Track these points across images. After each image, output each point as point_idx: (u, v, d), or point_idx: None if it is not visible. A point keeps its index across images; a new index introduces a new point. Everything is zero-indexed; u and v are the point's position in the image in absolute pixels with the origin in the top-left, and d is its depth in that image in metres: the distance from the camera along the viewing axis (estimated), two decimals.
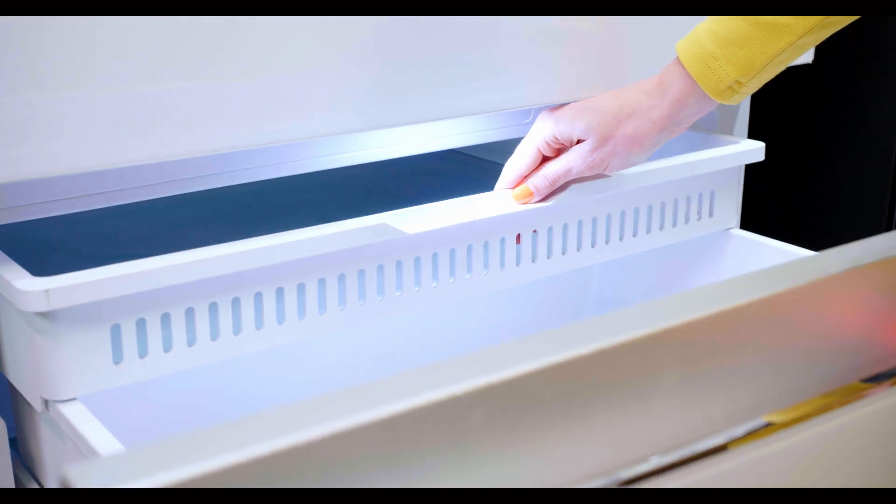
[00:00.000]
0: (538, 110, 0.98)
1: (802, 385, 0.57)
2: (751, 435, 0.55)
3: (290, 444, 0.41)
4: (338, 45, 0.75)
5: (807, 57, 1.03)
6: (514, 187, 0.85)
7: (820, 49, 1.06)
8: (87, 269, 0.67)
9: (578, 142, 0.82)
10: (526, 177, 0.85)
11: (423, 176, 1.17)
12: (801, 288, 0.56)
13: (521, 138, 0.86)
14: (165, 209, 1.02)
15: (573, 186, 0.86)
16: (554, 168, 0.83)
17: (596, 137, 0.81)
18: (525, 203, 0.84)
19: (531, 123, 0.99)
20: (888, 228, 1.19)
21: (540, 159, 0.85)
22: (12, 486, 0.74)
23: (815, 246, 0.92)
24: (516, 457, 0.47)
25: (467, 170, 1.19)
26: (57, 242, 0.95)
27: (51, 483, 0.74)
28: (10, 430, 0.75)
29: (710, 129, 1.09)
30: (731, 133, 1.10)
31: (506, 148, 1.18)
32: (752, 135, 1.11)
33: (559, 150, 0.84)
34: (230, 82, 0.71)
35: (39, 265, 0.70)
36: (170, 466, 0.39)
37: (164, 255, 0.70)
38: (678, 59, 0.80)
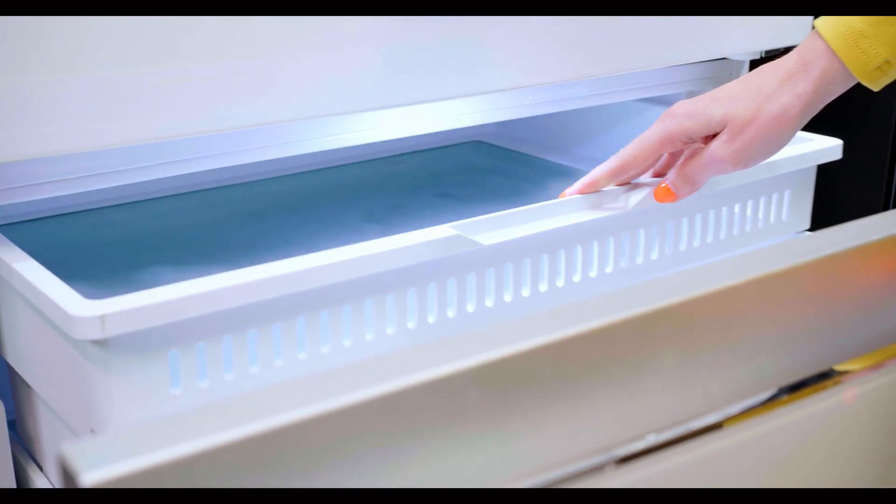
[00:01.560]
0: (535, 91, 0.98)
1: (801, 363, 0.57)
2: (749, 412, 0.55)
3: (288, 422, 0.41)
4: (342, 25, 0.75)
5: (803, 37, 1.02)
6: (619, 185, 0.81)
7: None
8: (145, 291, 0.61)
9: (713, 137, 0.77)
10: (622, 182, 0.81)
11: (461, 170, 1.13)
12: (799, 266, 0.56)
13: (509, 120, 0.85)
14: (179, 203, 1.01)
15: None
16: (694, 166, 0.77)
17: (736, 124, 0.75)
18: (663, 201, 0.79)
19: (528, 105, 0.99)
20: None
21: (657, 161, 0.81)
22: (10, 466, 0.74)
23: None
24: (513, 435, 0.48)
25: (498, 161, 1.16)
26: (66, 240, 0.92)
27: (49, 464, 0.74)
28: (8, 412, 0.75)
29: None
30: None
31: (528, 136, 1.19)
32: None
33: (678, 154, 0.80)
34: (235, 62, 0.71)
35: (60, 266, 0.68)
36: (166, 444, 0.39)
37: (229, 274, 0.63)
38: (819, 36, 0.75)
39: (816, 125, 1.25)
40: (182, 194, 1.03)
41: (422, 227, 0.71)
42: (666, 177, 0.80)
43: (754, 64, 1.11)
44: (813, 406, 0.57)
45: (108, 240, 0.93)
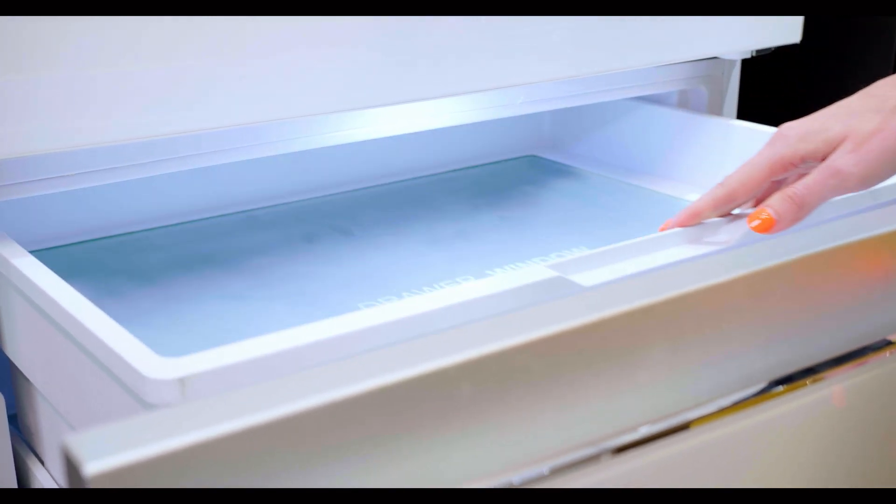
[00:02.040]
0: (527, 89, 0.99)
1: (790, 358, 0.58)
2: (738, 405, 0.56)
3: (284, 414, 0.42)
4: (343, 23, 0.76)
5: (794, 36, 1.04)
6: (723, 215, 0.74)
7: (807, 29, 1.07)
8: (229, 347, 0.53)
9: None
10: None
11: (517, 187, 1.08)
12: (785, 264, 0.57)
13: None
14: (225, 225, 0.96)
15: None
16: (807, 184, 0.69)
17: (859, 134, 0.69)
18: (764, 232, 0.69)
19: (523, 104, 1.00)
20: None
21: (766, 186, 0.73)
22: (10, 459, 0.75)
23: None
24: (505, 427, 0.48)
25: (553, 177, 1.11)
26: (108, 266, 0.86)
27: (50, 458, 0.75)
28: (9, 406, 0.76)
29: (699, 110, 1.10)
30: (720, 114, 1.11)
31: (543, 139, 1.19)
32: (741, 116, 1.12)
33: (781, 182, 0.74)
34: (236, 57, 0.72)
35: (104, 298, 0.66)
36: (170, 434, 0.40)
37: (322, 325, 0.56)
38: None
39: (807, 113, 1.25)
40: (227, 215, 0.98)
41: (489, 252, 0.64)
42: (766, 203, 0.70)
43: (745, 63, 1.12)
44: (800, 399, 0.58)
45: (153, 265, 0.86)
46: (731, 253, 0.57)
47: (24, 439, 0.79)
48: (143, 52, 0.69)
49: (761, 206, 0.70)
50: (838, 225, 0.61)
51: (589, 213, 0.99)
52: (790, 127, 0.73)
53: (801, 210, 0.69)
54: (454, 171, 1.13)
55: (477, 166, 1.15)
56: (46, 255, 0.86)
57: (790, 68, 1.31)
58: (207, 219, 0.97)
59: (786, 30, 1.03)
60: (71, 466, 0.40)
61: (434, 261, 0.86)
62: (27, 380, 0.73)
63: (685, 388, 0.54)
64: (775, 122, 1.23)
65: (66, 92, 0.67)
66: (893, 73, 1.17)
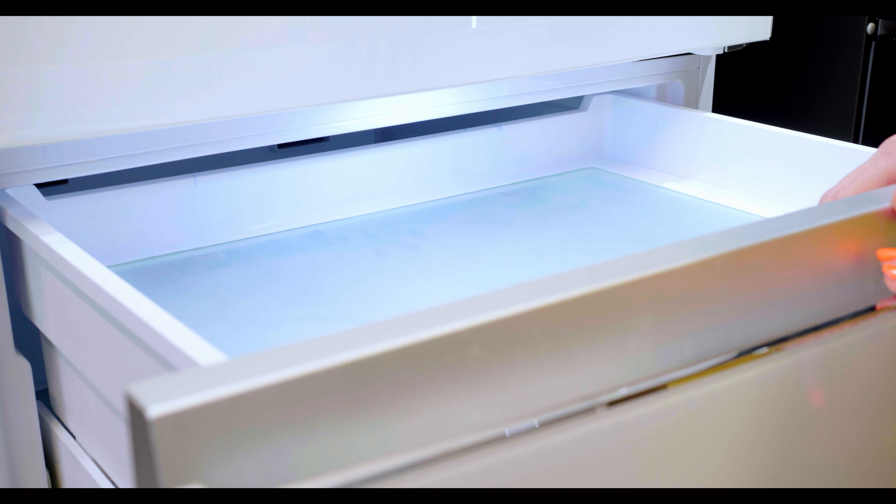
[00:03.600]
0: (510, 83, 1.04)
1: (764, 330, 0.64)
2: (715, 368, 0.61)
3: (316, 369, 0.47)
4: (341, 19, 0.81)
5: (764, 34, 1.09)
6: None
7: (777, 26, 1.13)
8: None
9: None
10: None
11: (582, 202, 1.06)
12: (761, 245, 0.62)
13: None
14: (293, 240, 0.95)
15: None
16: None
17: None
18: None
19: (504, 97, 1.05)
20: None
21: None
22: (37, 430, 0.80)
23: None
24: (508, 385, 0.53)
25: (613, 190, 1.09)
26: (180, 283, 0.85)
27: (77, 428, 0.80)
28: (40, 382, 0.81)
29: (676, 103, 1.15)
30: (696, 107, 1.16)
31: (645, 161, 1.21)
32: (716, 109, 1.18)
33: None
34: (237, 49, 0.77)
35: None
36: (229, 381, 0.44)
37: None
38: None
39: (779, 108, 1.31)
40: (293, 230, 0.98)
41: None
42: None
43: (719, 59, 1.18)
44: (770, 364, 0.63)
45: (227, 286, 0.85)
46: (711, 235, 0.62)
47: (54, 413, 0.84)
48: (164, 44, 0.73)
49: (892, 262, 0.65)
50: (807, 212, 0.66)
51: (650, 226, 0.99)
52: (892, 141, 0.69)
53: None
54: (515, 183, 1.12)
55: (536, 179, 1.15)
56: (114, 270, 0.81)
57: (762, 64, 1.37)
58: (273, 234, 0.96)
59: (756, 27, 1.08)
60: (135, 412, 0.44)
61: (505, 279, 0.85)
62: (57, 353, 0.78)
63: (667, 355, 0.59)
64: (748, 114, 1.29)
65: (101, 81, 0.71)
66: (862, 69, 1.23)
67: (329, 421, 0.47)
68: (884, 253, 0.65)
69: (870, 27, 1.24)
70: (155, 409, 0.43)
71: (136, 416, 0.44)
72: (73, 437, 0.81)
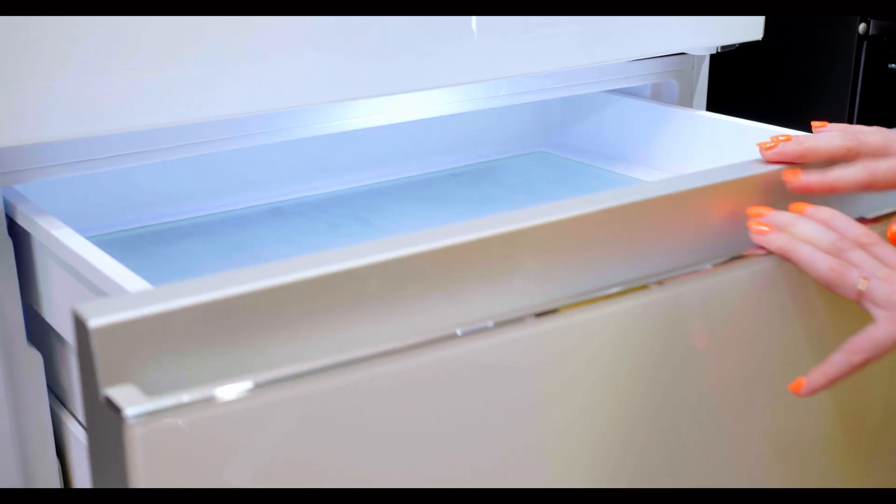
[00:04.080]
0: (508, 83, 1.07)
1: (636, 273, 0.70)
2: (597, 298, 0.66)
3: (231, 294, 0.54)
4: (335, 21, 0.84)
5: (756, 34, 1.12)
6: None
7: (769, 26, 1.15)
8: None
9: None
10: None
11: (528, 182, 1.14)
12: (637, 202, 0.69)
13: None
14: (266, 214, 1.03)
15: None
16: None
17: None
18: None
19: (503, 96, 1.07)
20: None
21: None
22: (49, 421, 0.83)
23: None
24: (404, 313, 0.60)
25: (562, 173, 1.17)
26: (159, 255, 0.93)
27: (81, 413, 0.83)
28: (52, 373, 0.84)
29: (671, 102, 1.18)
30: (690, 105, 1.19)
31: (592, 147, 1.25)
32: (710, 108, 1.20)
33: None
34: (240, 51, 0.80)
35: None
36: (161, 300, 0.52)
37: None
38: None
39: (772, 107, 1.33)
40: (255, 206, 1.05)
41: None
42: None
43: (713, 59, 1.20)
44: (649, 296, 0.68)
45: (191, 254, 0.93)
46: (595, 195, 0.68)
47: (58, 398, 0.87)
48: (161, 50, 0.76)
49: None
50: (685, 177, 0.73)
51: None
52: None
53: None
54: (465, 167, 1.19)
55: (486, 162, 1.21)
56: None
57: (755, 63, 1.39)
58: (236, 209, 1.04)
59: (748, 28, 1.11)
60: (79, 324, 0.50)
61: None
62: (60, 338, 0.81)
63: (550, 291, 0.66)
64: (741, 112, 1.32)
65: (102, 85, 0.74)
66: (854, 68, 1.24)
67: (244, 338, 0.54)
68: (752, 210, 0.74)
69: (861, 27, 1.26)
70: (94, 322, 0.50)
71: (80, 329, 0.51)
72: (84, 428, 0.83)
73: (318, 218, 1.01)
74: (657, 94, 1.19)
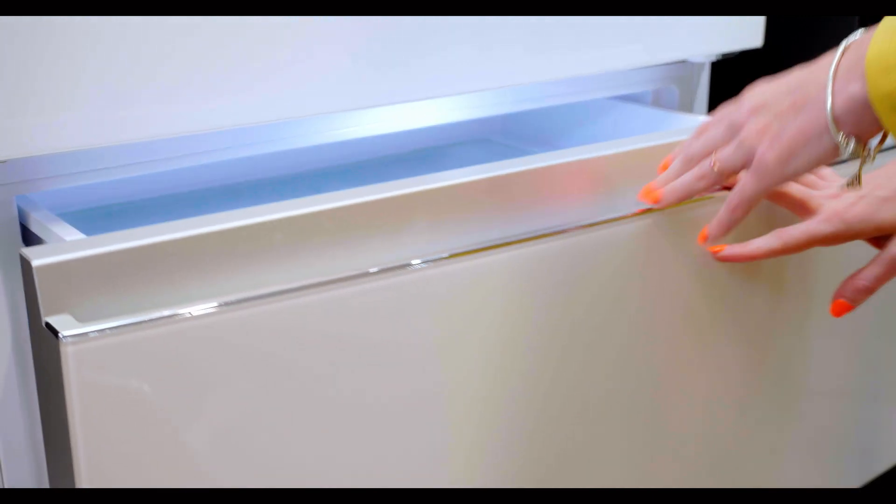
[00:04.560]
0: (514, 90, 1.08)
1: (513, 228, 0.81)
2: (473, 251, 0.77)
3: (152, 241, 0.65)
4: (331, 25, 0.85)
5: (756, 41, 1.13)
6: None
7: (770, 32, 1.16)
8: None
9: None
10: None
11: None
12: (517, 172, 0.80)
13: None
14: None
15: None
16: (875, 274, 0.81)
17: None
18: (839, 315, 0.82)
19: (509, 103, 1.09)
20: None
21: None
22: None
23: None
24: (307, 261, 0.71)
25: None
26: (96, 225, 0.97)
27: None
28: None
29: (671, 107, 1.19)
30: (691, 112, 1.20)
31: (534, 134, 1.28)
32: (711, 114, 1.21)
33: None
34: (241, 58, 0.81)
35: None
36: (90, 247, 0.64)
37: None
38: None
39: None
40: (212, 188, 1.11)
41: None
42: (839, 292, 0.82)
43: (714, 66, 1.22)
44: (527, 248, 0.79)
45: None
46: (480, 166, 0.80)
47: None
48: (147, 54, 0.78)
49: (835, 297, 0.82)
50: (557, 153, 0.85)
51: None
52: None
53: (871, 293, 0.81)
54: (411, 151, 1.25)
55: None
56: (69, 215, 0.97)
57: (755, 70, 1.40)
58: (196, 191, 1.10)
59: (748, 35, 1.12)
60: (24, 263, 0.62)
61: None
62: None
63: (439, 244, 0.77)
64: None
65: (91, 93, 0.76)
66: None
67: (166, 280, 0.66)
68: (641, 195, 0.84)
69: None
70: (36, 261, 0.62)
71: (25, 267, 0.62)
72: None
73: (270, 199, 1.05)
74: (658, 101, 1.20)
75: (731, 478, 1.00)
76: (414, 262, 0.73)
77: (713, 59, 1.16)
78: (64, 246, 0.63)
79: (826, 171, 0.87)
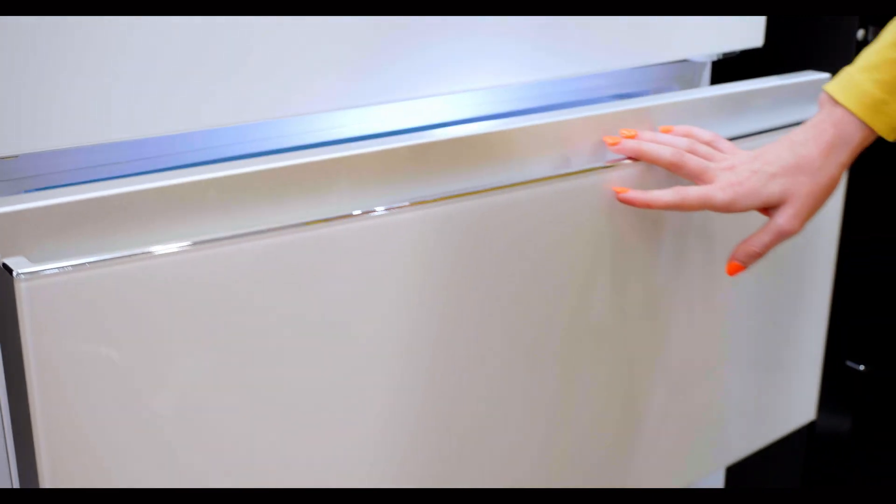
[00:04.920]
0: (516, 89, 1.09)
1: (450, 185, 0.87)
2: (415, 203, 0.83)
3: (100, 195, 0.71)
4: (325, 25, 0.85)
5: (756, 40, 1.14)
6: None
7: (771, 32, 1.17)
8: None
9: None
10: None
11: None
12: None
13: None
14: None
15: None
16: (763, 241, 0.90)
17: (797, 198, 0.89)
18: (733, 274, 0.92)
19: (513, 101, 1.09)
20: (843, 216, 1.30)
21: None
22: None
23: None
24: (238, 213, 0.76)
25: None
26: None
27: None
28: None
29: None
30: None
31: None
32: None
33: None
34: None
35: None
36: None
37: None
38: (848, 111, 0.88)
39: None
40: None
41: None
42: (733, 254, 0.91)
43: (715, 65, 1.22)
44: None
45: None
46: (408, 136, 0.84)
47: None
48: (140, 53, 0.77)
49: (730, 259, 0.92)
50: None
51: None
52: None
53: (760, 257, 0.91)
54: None
55: None
56: None
57: (756, 70, 1.41)
58: None
59: (749, 35, 1.13)
60: None
61: None
62: None
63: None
64: None
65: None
66: None
67: (110, 230, 0.72)
68: (606, 137, 0.93)
69: (860, 33, 1.27)
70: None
71: None
72: None
73: None
74: None
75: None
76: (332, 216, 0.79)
77: (714, 58, 1.16)
78: (18, 197, 0.69)
79: (724, 144, 0.94)
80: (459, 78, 0.94)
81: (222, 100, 0.81)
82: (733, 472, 1.43)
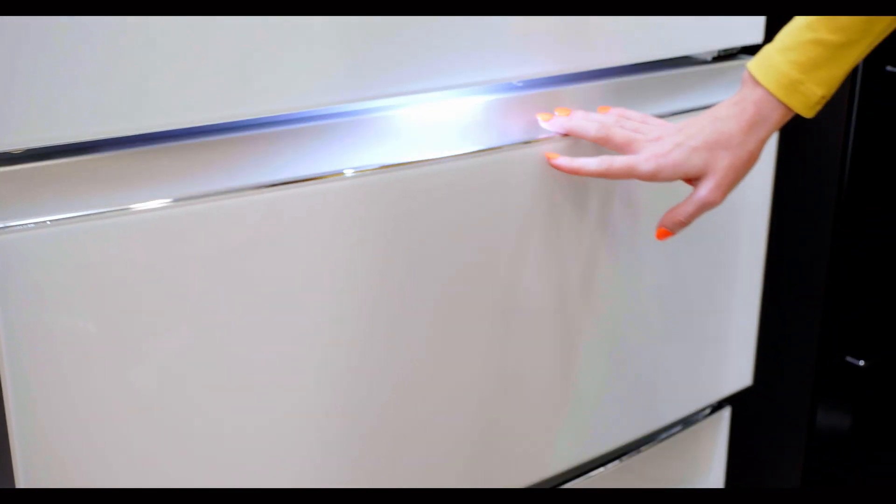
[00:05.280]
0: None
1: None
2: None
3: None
4: (318, 23, 0.85)
5: (756, 37, 1.14)
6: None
7: (770, 31, 1.17)
8: None
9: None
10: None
11: None
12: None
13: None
14: None
15: None
16: (687, 211, 0.97)
17: (717, 171, 0.94)
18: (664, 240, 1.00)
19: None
20: (837, 209, 1.30)
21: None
22: None
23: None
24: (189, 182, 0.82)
25: None
26: None
27: None
28: None
29: None
30: None
31: None
32: None
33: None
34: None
35: None
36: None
37: None
38: (767, 91, 0.93)
39: None
40: None
41: None
42: (661, 221, 0.98)
43: (715, 60, 1.22)
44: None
45: None
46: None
47: None
48: (146, 50, 0.77)
49: (658, 226, 0.99)
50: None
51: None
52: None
53: (685, 225, 0.97)
54: None
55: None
56: None
57: None
58: None
59: (749, 31, 1.13)
60: None
61: None
62: None
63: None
64: None
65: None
66: (852, 75, 1.27)
67: (82, 188, 0.77)
68: (541, 114, 1.00)
69: None
70: None
71: None
72: None
73: None
74: None
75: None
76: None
77: (714, 55, 1.16)
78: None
79: (654, 121, 0.99)
80: (460, 74, 0.94)
81: (215, 96, 0.81)
82: (733, 472, 1.43)
